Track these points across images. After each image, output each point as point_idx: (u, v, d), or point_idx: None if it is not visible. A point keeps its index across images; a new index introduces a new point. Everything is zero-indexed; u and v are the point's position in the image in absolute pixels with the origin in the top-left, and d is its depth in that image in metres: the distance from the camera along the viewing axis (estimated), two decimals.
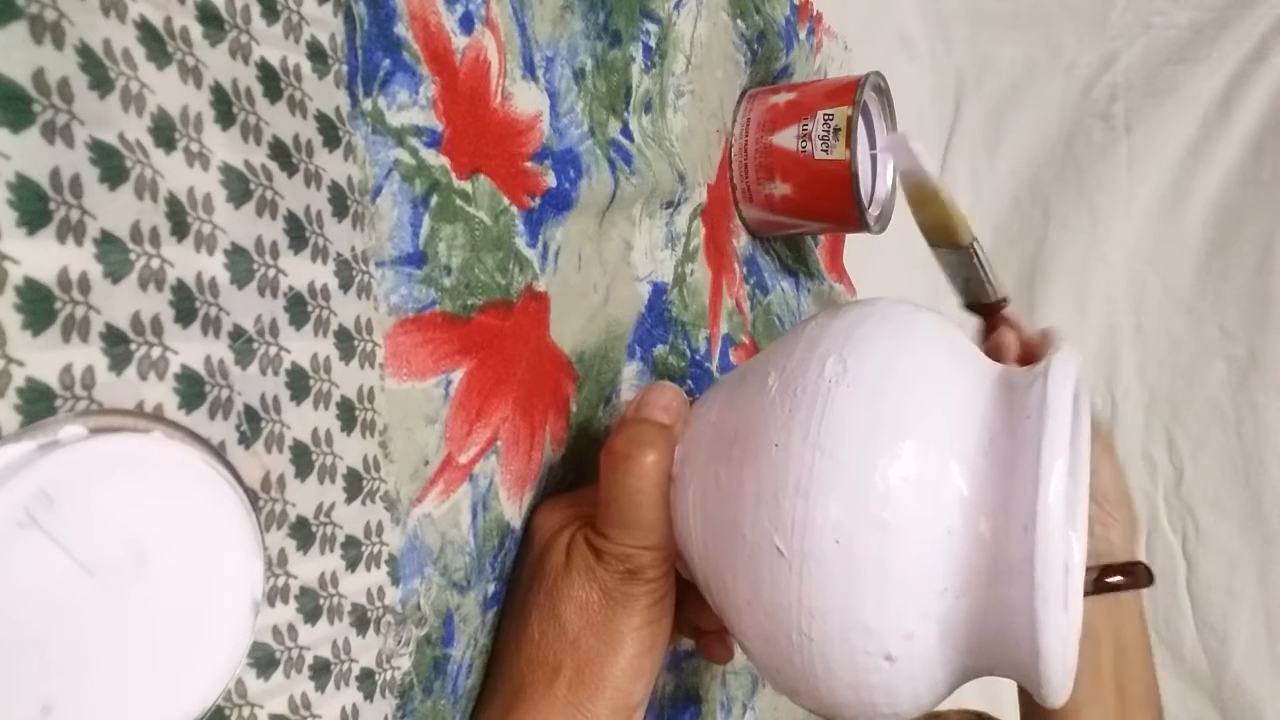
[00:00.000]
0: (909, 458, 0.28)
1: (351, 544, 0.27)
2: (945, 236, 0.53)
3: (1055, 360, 0.29)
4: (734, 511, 0.30)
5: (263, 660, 0.24)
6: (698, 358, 0.49)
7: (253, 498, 0.24)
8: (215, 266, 0.23)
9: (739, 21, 0.53)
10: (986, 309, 0.57)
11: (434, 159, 0.30)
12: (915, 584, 0.28)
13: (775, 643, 0.30)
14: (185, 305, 0.22)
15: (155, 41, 0.21)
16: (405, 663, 0.30)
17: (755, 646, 0.32)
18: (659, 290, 0.45)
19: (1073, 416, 0.28)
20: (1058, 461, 0.27)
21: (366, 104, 0.28)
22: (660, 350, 0.45)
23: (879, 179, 0.58)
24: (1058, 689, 0.28)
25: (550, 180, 0.36)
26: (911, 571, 0.28)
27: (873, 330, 0.31)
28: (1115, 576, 0.47)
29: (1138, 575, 0.48)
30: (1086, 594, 0.46)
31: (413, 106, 0.29)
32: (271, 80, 0.24)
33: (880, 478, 0.28)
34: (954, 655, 0.29)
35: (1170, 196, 1.01)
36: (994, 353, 0.54)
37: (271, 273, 0.24)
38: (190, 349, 0.22)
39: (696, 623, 0.38)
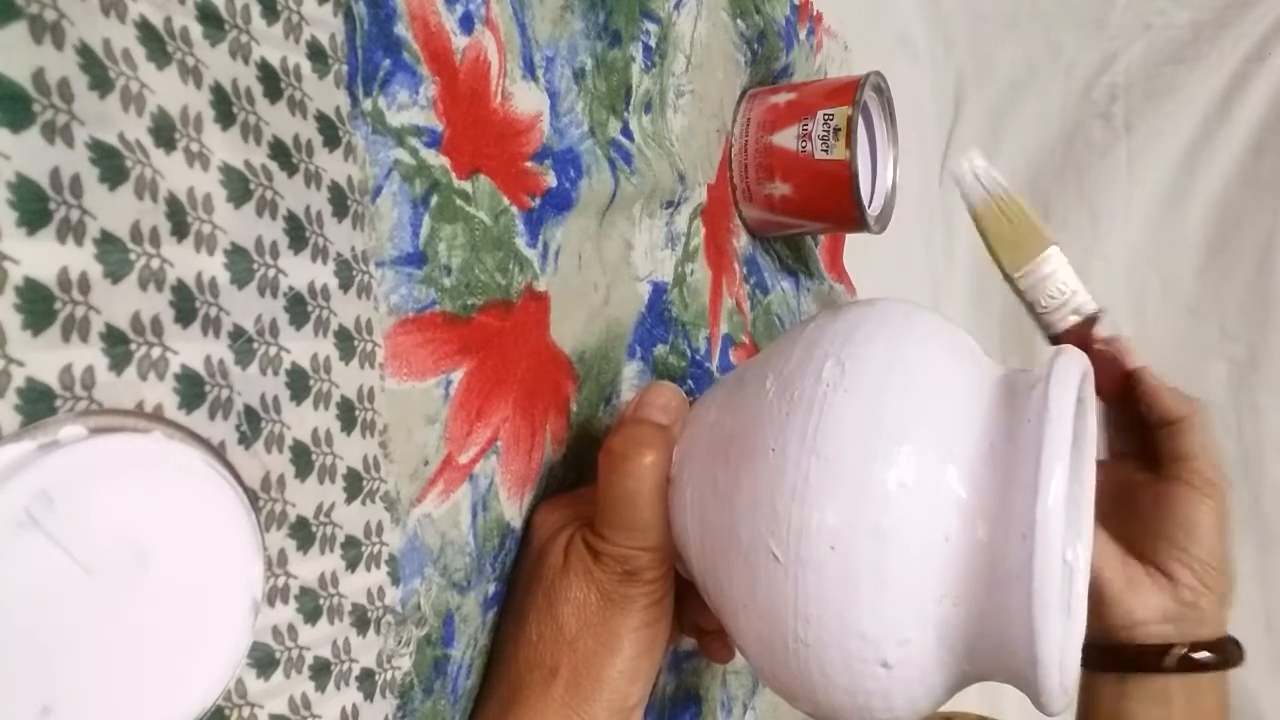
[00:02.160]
0: (906, 463, 0.28)
1: (351, 544, 0.27)
2: (1027, 252, 0.48)
3: (1059, 362, 0.29)
4: (730, 515, 0.30)
5: (263, 660, 0.24)
6: (698, 357, 0.49)
7: (253, 498, 0.24)
8: (215, 266, 0.23)
9: (739, 21, 0.53)
10: (1081, 333, 0.48)
11: (434, 159, 0.30)
12: (912, 591, 0.28)
13: (771, 647, 0.30)
14: (185, 305, 0.22)
15: (155, 41, 0.21)
16: (405, 663, 0.30)
17: (752, 650, 0.31)
18: (659, 290, 0.45)
19: (1077, 420, 0.28)
20: (1057, 468, 0.26)
21: (366, 104, 0.28)
22: (660, 350, 0.45)
23: (879, 179, 0.58)
24: (1055, 698, 0.28)
25: (550, 180, 0.36)
26: (908, 578, 0.28)
27: (871, 333, 0.30)
28: (1203, 653, 0.44)
29: (1228, 653, 0.45)
30: (1169, 671, 0.44)
31: (413, 106, 0.29)
32: (271, 80, 0.24)
33: (877, 483, 0.28)
34: (952, 661, 0.29)
35: (1170, 196, 1.01)
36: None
37: (271, 273, 0.24)
38: (190, 349, 0.22)
39: (698, 622, 0.38)
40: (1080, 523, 0.31)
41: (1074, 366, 0.29)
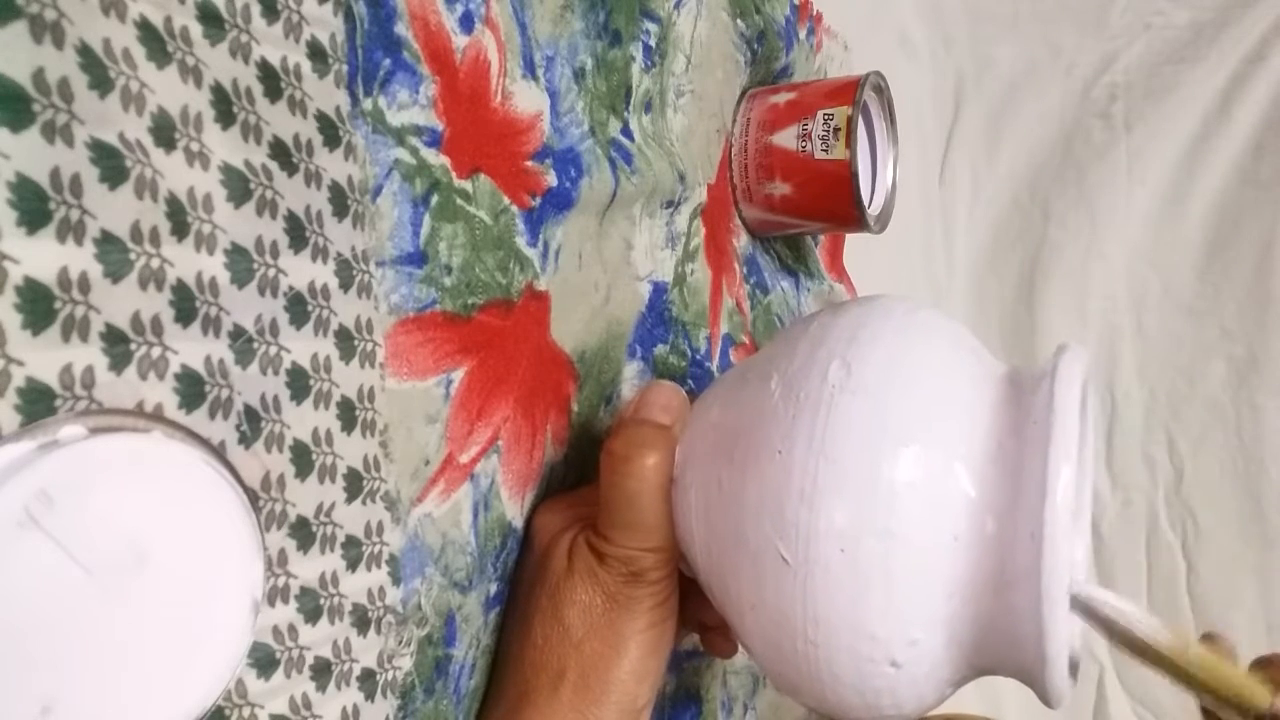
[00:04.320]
0: (913, 463, 0.28)
1: (352, 544, 0.27)
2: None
3: (1063, 361, 0.29)
4: (737, 517, 0.30)
5: (263, 660, 0.24)
6: (698, 357, 0.49)
7: (253, 498, 0.24)
8: (215, 266, 0.23)
9: (739, 21, 0.53)
10: None
11: (434, 158, 0.30)
12: (921, 591, 0.28)
13: (779, 647, 0.30)
14: (185, 305, 0.22)
15: (155, 41, 0.21)
16: (406, 663, 0.30)
17: (759, 649, 0.31)
18: (659, 290, 0.45)
19: (1080, 418, 0.28)
20: (1065, 467, 0.26)
21: (367, 103, 0.28)
22: (661, 350, 0.45)
23: (879, 179, 0.58)
24: (1062, 693, 0.28)
25: (551, 179, 0.36)
26: (917, 579, 0.28)
27: (875, 332, 0.30)
28: None
29: None
30: None
31: (413, 106, 0.29)
32: (272, 80, 0.24)
33: (885, 485, 0.28)
34: (960, 658, 0.29)
35: (1170, 196, 1.01)
36: None
37: (271, 272, 0.24)
38: (190, 349, 0.22)
39: (701, 617, 0.38)
40: (1082, 517, 0.31)
41: (1078, 365, 0.29)
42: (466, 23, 0.31)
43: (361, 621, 0.28)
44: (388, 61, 0.28)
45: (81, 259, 0.20)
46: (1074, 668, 0.28)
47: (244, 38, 0.24)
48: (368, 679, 0.28)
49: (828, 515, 0.28)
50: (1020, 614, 0.27)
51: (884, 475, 0.28)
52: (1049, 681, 0.27)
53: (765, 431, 0.30)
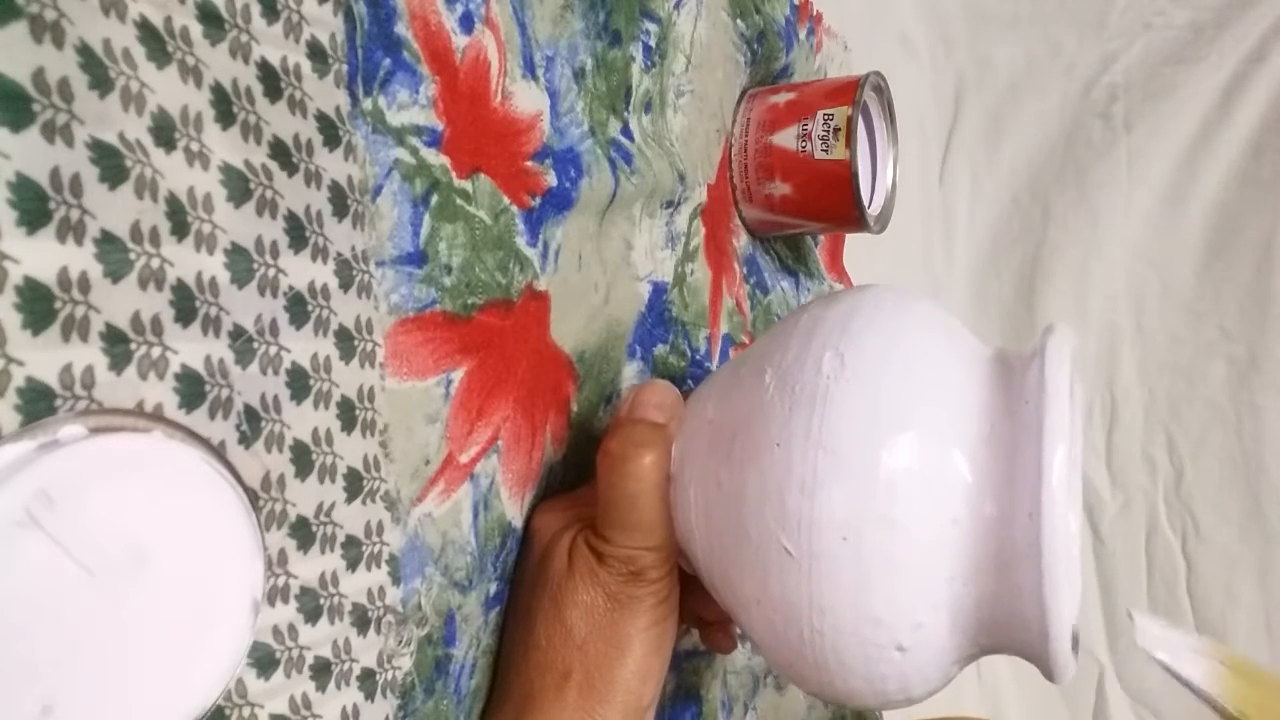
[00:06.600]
0: (910, 450, 0.28)
1: (352, 544, 0.27)
2: None
3: (1051, 341, 0.29)
4: (738, 511, 0.30)
5: (263, 660, 0.24)
6: (698, 357, 0.49)
7: (253, 497, 0.24)
8: (215, 266, 0.23)
9: (739, 21, 0.53)
10: None
11: (434, 158, 0.30)
12: (923, 576, 0.28)
13: (785, 638, 0.30)
14: (185, 305, 0.22)
15: (155, 41, 0.21)
16: (406, 662, 0.30)
17: (765, 641, 0.32)
18: (659, 290, 0.45)
19: (1070, 397, 0.28)
20: (1060, 447, 0.27)
21: (367, 103, 0.28)
22: (661, 350, 0.45)
23: (879, 179, 0.58)
24: (1066, 669, 0.28)
25: (551, 179, 0.36)
26: (919, 564, 0.28)
27: (866, 322, 0.31)
28: None
29: None
30: None
31: (413, 106, 0.29)
32: (271, 80, 0.24)
33: (884, 472, 0.28)
34: (964, 640, 0.30)
35: (1170, 196, 1.01)
36: None
37: (271, 272, 0.24)
38: (190, 348, 0.22)
39: (700, 613, 0.38)
40: (1075, 495, 0.32)
41: (1065, 345, 0.29)
42: (466, 23, 0.31)
43: (361, 621, 0.28)
44: (388, 61, 0.28)
45: (81, 259, 0.20)
46: (1075, 643, 0.28)
47: (244, 38, 0.24)
48: (368, 679, 0.28)
49: (828, 506, 0.28)
50: (1022, 593, 0.27)
51: (882, 463, 0.28)
52: (1053, 658, 0.28)
53: (763, 426, 0.30)
